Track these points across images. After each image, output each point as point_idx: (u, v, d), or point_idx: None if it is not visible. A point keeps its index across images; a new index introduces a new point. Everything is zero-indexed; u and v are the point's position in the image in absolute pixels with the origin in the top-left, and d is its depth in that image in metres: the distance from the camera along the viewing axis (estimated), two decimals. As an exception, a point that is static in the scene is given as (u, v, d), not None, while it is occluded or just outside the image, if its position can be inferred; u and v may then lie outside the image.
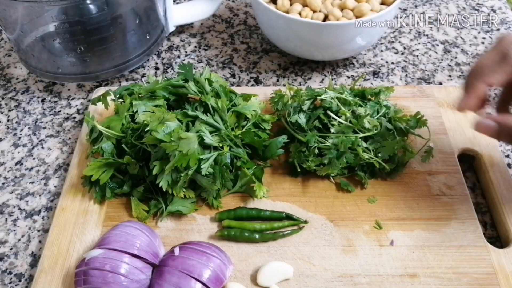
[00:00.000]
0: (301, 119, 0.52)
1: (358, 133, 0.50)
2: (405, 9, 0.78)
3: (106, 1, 0.59)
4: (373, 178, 0.53)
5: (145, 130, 0.48)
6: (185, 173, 0.46)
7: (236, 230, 0.47)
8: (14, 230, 0.51)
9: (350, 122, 0.51)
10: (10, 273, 0.48)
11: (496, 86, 0.40)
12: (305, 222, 0.49)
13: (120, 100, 0.54)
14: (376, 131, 0.51)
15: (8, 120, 0.63)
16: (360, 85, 0.65)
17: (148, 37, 0.66)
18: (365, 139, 0.51)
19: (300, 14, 0.61)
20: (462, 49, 0.71)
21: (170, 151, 0.45)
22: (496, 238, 0.49)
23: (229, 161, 0.49)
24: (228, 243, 0.47)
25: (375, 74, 0.67)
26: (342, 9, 0.61)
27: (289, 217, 0.49)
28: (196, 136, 0.47)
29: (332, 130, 0.50)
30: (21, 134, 0.61)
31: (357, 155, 0.50)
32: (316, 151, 0.50)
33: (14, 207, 0.53)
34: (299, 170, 0.51)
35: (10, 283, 0.47)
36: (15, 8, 0.58)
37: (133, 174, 0.50)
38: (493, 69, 0.40)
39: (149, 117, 0.48)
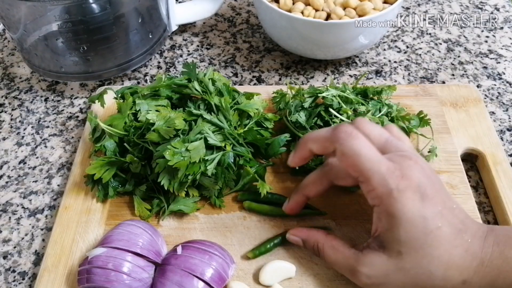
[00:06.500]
0: (301, 117, 0.52)
1: (360, 132, 0.50)
2: (408, 8, 0.78)
3: (109, 1, 0.59)
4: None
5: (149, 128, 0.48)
6: (192, 177, 0.46)
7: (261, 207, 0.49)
8: (18, 229, 0.52)
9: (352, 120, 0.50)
10: (13, 271, 0.48)
11: (318, 152, 0.44)
12: (324, 213, 0.49)
13: (122, 100, 0.54)
14: (378, 129, 0.51)
15: (11, 119, 0.63)
16: (362, 83, 0.65)
17: (150, 36, 0.66)
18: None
19: (302, 13, 0.61)
20: (465, 47, 0.71)
21: (184, 166, 0.45)
22: (499, 237, 0.49)
23: (232, 161, 0.49)
24: (230, 242, 0.47)
25: (377, 73, 0.67)
26: (344, 8, 0.61)
27: (307, 207, 0.49)
28: (201, 139, 0.47)
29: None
30: (24, 133, 0.61)
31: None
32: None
33: (18, 205, 0.54)
34: (297, 168, 0.51)
35: (14, 281, 0.48)
36: (18, 7, 0.59)
37: (136, 173, 0.50)
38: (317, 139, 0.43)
39: (156, 116, 0.48)
